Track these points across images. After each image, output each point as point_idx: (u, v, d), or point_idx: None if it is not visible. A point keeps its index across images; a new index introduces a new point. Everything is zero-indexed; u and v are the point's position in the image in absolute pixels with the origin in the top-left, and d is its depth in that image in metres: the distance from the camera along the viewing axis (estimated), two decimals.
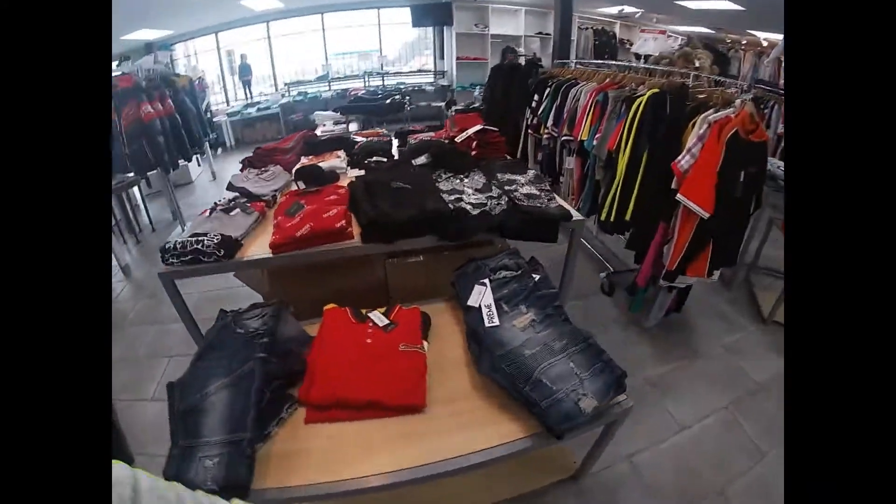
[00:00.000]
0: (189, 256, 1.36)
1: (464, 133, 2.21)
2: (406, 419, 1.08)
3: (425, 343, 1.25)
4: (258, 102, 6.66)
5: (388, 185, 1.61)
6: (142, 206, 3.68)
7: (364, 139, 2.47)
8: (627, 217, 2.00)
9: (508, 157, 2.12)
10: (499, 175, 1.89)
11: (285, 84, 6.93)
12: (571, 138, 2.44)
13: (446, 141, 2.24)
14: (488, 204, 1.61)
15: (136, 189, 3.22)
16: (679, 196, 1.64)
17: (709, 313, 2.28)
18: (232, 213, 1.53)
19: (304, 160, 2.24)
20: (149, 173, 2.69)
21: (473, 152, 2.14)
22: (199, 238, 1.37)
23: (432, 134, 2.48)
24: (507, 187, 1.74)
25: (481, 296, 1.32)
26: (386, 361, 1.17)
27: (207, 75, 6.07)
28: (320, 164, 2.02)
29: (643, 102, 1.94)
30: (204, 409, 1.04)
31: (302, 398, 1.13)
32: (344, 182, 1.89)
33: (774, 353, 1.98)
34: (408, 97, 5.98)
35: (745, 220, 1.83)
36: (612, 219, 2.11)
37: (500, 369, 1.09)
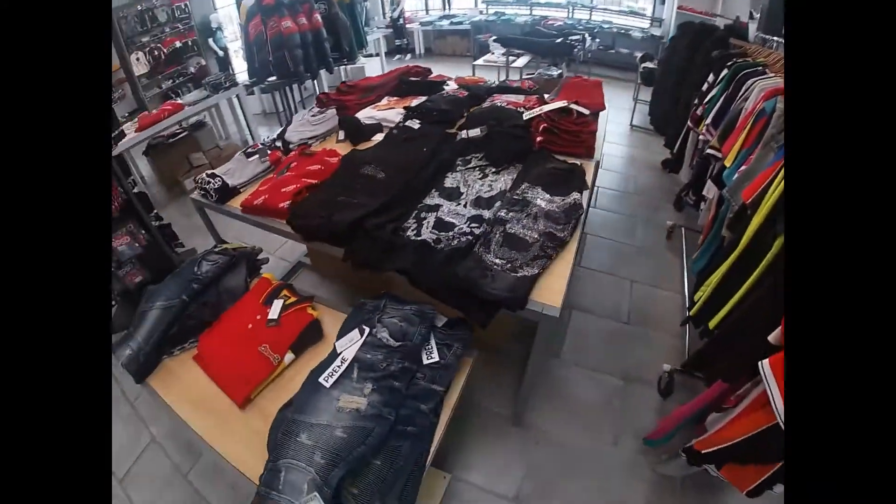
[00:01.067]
0: (202, 191, 1.62)
1: (537, 109, 1.62)
2: (232, 408, 1.13)
3: (289, 355, 1.22)
4: (454, 16, 6.42)
5: (359, 168, 1.42)
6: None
7: (456, 87, 2.12)
8: (712, 324, 1.20)
9: (567, 162, 1.49)
10: (524, 186, 1.39)
11: (483, 1, 6.37)
12: (719, 154, 1.46)
13: (522, 112, 1.71)
14: (454, 230, 1.24)
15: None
16: (764, 364, 0.71)
17: None
18: (250, 159, 1.68)
19: (385, 101, 2.14)
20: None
21: (538, 138, 1.59)
22: (208, 180, 1.59)
23: (514, 99, 1.91)
24: (504, 211, 1.28)
25: (350, 344, 1.14)
26: (242, 352, 1.21)
27: None
28: (369, 115, 1.91)
29: None
30: (144, 316, 1.36)
31: (200, 338, 1.33)
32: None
33: None
34: (596, 39, 4.73)
35: None
36: (695, 308, 1.32)
37: (277, 431, 0.99)
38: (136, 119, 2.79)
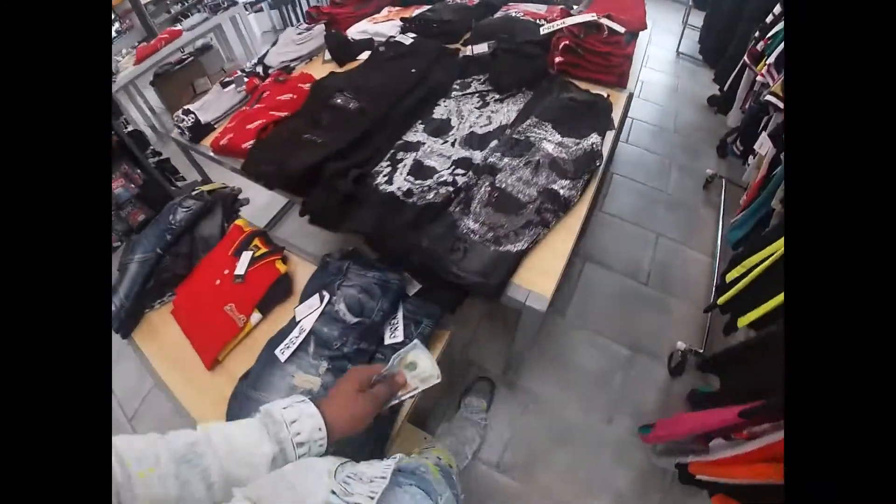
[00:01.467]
0: (178, 130, 1.46)
1: (559, 22, 1.26)
2: (202, 368, 1.09)
3: (256, 315, 1.13)
4: None
5: (331, 96, 1.19)
6: None
7: None
8: (741, 323, 0.97)
9: (591, 92, 1.17)
10: (530, 121, 1.12)
11: None
12: (780, 104, 1.09)
13: (542, 24, 1.34)
14: (433, 177, 1.03)
15: None
16: None
17: None
18: (226, 89, 1.48)
19: (384, 12, 1.79)
20: None
21: (557, 58, 1.26)
22: (182, 117, 1.40)
23: (534, 10, 1.50)
24: (498, 154, 1.04)
25: (309, 311, 1.02)
26: (210, 311, 1.14)
27: None
28: (362, 29, 1.60)
29: None
30: (125, 269, 1.31)
31: (176, 291, 1.28)
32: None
33: None
34: None
35: None
36: (724, 295, 1.07)
37: (234, 404, 0.94)
38: (134, 52, 2.61)
